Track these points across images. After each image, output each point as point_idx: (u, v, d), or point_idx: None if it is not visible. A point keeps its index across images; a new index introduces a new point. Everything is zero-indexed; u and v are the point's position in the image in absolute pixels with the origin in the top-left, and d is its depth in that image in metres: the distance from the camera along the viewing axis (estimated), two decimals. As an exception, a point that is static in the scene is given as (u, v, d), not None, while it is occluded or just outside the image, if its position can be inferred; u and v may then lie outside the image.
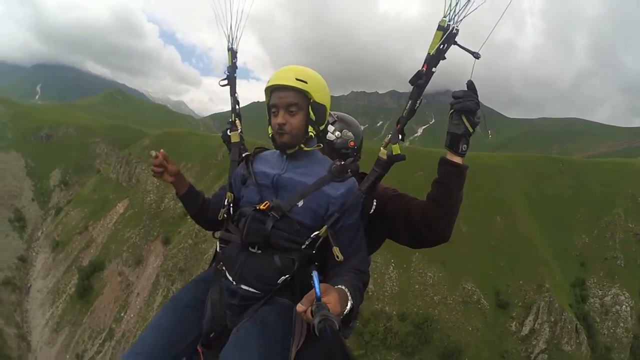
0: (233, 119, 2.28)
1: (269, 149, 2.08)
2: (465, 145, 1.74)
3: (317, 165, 1.86)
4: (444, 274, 40.17)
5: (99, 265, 51.97)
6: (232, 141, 2.20)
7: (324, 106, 1.85)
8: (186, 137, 67.69)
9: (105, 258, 52.79)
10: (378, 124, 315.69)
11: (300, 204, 1.75)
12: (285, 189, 1.80)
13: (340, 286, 1.54)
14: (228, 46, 2.29)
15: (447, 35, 1.67)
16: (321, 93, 1.83)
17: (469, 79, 1.71)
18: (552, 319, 37.93)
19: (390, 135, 1.86)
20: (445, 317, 38.27)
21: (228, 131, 2.24)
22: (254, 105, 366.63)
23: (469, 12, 1.64)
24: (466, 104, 1.68)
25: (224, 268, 1.83)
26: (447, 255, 39.53)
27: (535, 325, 37.76)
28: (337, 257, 1.72)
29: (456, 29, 1.67)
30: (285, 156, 1.87)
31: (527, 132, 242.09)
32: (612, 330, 40.26)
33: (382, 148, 1.84)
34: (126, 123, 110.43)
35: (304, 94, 1.78)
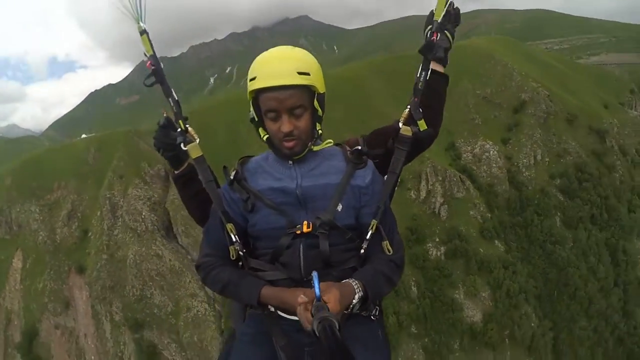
0: (182, 126, 1.76)
1: (252, 157, 1.79)
2: (448, 57, 1.79)
3: (330, 159, 1.65)
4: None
5: (32, 331, 47.22)
6: (193, 156, 1.74)
7: (324, 94, 1.59)
8: (47, 157, 60.38)
9: (34, 321, 48.01)
10: (227, 71, 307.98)
11: (340, 208, 1.56)
12: (315, 199, 1.58)
13: (347, 280, 1.47)
14: (140, 28, 1.72)
15: None
16: (322, 80, 1.58)
17: (435, 22, 1.73)
18: (440, 178, 45.76)
19: (408, 109, 1.74)
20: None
21: (182, 145, 1.74)
22: (93, 96, 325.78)
23: None
24: (440, 53, 1.75)
25: (272, 310, 1.60)
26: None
27: (429, 187, 45.30)
28: (388, 250, 1.60)
29: None
30: (290, 162, 1.62)
31: (371, 39, 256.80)
32: (488, 172, 49.62)
33: (401, 124, 1.72)
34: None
35: (308, 89, 1.51)
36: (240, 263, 1.67)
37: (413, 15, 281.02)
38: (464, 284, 41.24)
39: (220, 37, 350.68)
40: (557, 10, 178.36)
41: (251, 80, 1.51)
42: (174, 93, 1.76)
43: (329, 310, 1.22)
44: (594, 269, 45.18)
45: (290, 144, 1.53)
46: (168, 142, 1.80)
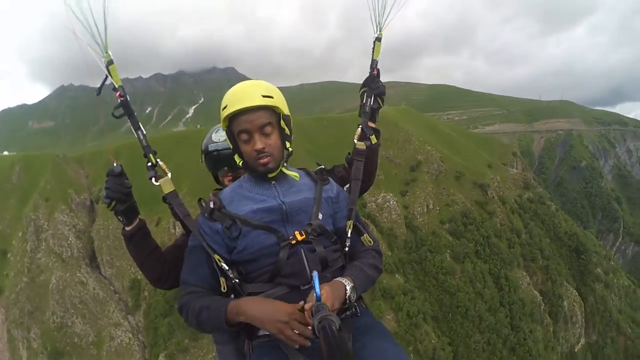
0: (153, 160, 1.80)
1: (221, 188, 1.95)
2: (377, 116, 2.10)
3: (300, 179, 1.85)
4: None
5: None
6: (166, 191, 1.80)
7: (290, 117, 1.77)
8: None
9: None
10: (147, 111, 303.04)
11: (321, 216, 1.75)
12: (299, 212, 1.74)
13: (337, 279, 1.59)
14: (107, 58, 1.69)
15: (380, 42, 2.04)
16: (285, 104, 1.75)
17: (375, 61, 2.03)
18: (347, 222, 54.58)
19: (360, 128, 2.03)
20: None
21: (152, 179, 1.79)
22: (5, 114, 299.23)
23: (389, 22, 2.03)
24: (381, 89, 2.05)
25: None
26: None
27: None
28: (369, 242, 1.84)
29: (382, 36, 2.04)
30: (273, 182, 1.77)
31: (291, 99, 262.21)
32: (389, 218, 59.74)
33: (356, 140, 2.01)
34: None
35: (273, 110, 1.69)
36: (233, 295, 1.66)
37: (330, 81, 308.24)
38: (369, 308, 48.08)
39: (145, 76, 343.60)
40: (458, 86, 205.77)
41: (223, 109, 1.66)
42: (142, 126, 1.77)
43: (329, 310, 1.30)
44: (481, 293, 53.86)
45: (264, 160, 1.66)
46: (123, 191, 1.76)
